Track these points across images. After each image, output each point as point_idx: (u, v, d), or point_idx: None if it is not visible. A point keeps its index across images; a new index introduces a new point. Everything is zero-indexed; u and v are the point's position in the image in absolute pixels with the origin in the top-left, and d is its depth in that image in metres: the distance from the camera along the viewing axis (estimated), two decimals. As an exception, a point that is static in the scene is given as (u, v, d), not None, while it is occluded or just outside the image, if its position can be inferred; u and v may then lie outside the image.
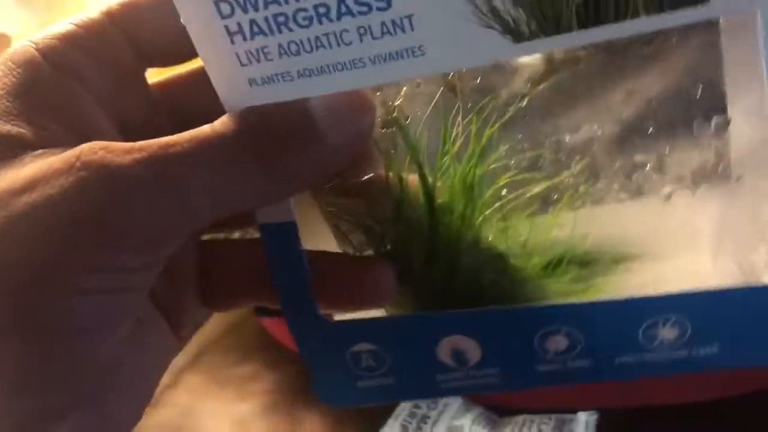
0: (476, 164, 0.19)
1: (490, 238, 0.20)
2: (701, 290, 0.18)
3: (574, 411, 0.32)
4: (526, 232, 0.20)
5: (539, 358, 0.19)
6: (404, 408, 0.33)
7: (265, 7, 0.16)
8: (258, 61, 0.17)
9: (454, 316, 0.19)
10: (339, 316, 0.21)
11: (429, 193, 0.20)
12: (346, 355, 0.20)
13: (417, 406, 0.33)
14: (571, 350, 0.19)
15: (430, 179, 0.20)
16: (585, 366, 0.19)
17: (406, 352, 0.20)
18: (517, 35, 0.16)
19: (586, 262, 0.21)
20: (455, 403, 0.33)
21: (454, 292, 0.20)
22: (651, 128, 0.21)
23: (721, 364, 0.19)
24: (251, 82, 0.17)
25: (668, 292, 0.18)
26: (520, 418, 0.33)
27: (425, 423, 0.32)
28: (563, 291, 0.20)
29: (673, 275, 0.20)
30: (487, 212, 0.20)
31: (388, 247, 0.20)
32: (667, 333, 0.19)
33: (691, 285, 0.19)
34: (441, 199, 0.20)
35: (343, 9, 0.16)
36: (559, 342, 0.19)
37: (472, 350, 0.20)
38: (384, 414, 0.33)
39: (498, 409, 0.33)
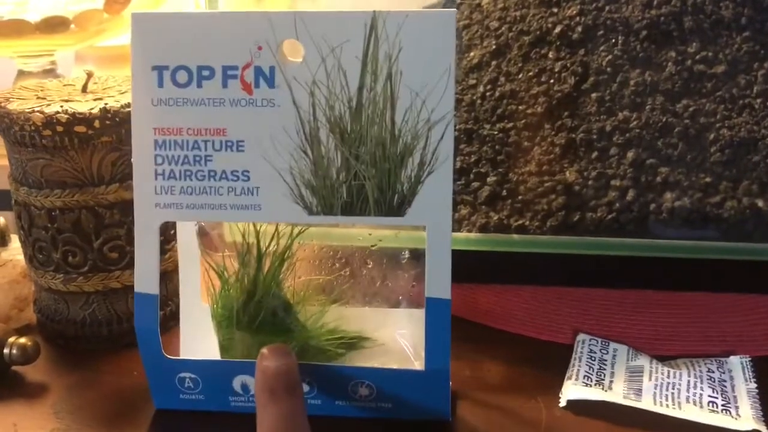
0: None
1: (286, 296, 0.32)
2: (385, 368, 0.31)
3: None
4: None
5: None
6: (582, 353, 0.35)
7: (181, 165, 0.28)
8: (166, 193, 0.28)
9: (244, 363, 0.30)
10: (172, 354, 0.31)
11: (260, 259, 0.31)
12: (174, 379, 0.30)
13: (592, 351, 0.35)
14: (310, 392, 0.30)
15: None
16: (317, 404, 0.30)
17: (213, 381, 0.31)
18: (309, 211, 0.28)
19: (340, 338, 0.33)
20: (623, 348, 0.35)
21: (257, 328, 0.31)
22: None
23: (395, 416, 0.30)
24: (157, 205, 0.28)
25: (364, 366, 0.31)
26: (680, 361, 0.34)
27: (605, 364, 0.34)
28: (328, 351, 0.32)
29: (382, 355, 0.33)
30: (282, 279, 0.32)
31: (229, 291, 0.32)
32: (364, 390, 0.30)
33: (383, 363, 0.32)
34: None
35: (224, 175, 0.28)
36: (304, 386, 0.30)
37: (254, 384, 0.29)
38: (565, 359, 0.34)
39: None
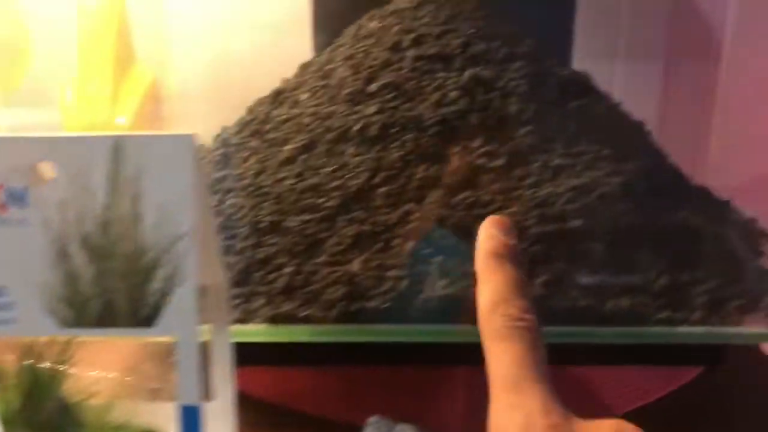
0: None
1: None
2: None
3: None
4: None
5: None
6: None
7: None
8: None
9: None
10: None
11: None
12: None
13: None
14: None
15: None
16: None
17: None
18: (64, 323, 0.29)
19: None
20: (409, 428, 0.35)
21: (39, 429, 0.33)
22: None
23: None
24: None
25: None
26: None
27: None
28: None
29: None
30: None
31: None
32: None
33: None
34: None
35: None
36: None
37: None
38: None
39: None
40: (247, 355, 0.38)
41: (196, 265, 0.28)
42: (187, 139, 0.28)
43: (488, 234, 0.28)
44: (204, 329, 0.34)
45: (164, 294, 0.28)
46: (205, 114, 0.64)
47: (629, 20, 0.69)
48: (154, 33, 0.65)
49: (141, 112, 0.60)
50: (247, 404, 0.39)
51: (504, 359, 0.25)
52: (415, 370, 0.39)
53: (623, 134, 0.46)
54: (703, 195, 0.53)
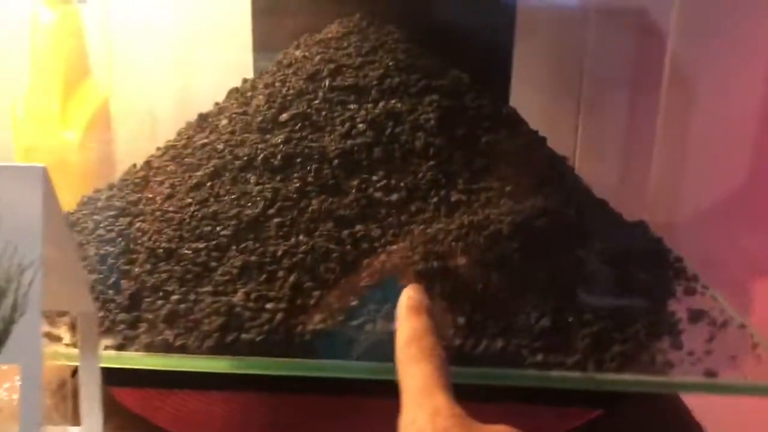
0: None
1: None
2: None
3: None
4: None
5: None
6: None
7: None
8: None
9: None
10: None
11: None
12: None
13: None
14: None
15: None
16: None
17: None
18: None
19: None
20: None
21: None
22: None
23: None
24: None
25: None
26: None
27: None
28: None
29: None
30: None
31: None
32: None
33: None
34: None
35: None
36: None
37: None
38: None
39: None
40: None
41: (42, 295, 0.29)
42: (37, 171, 0.29)
43: (407, 295, 0.34)
44: (74, 355, 0.35)
45: (9, 322, 0.29)
46: (162, 133, 0.65)
47: (593, 52, 0.69)
48: (108, 52, 0.66)
49: (92, 129, 0.60)
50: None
51: (417, 375, 0.30)
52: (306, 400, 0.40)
53: (537, 171, 0.46)
54: (637, 232, 0.53)
